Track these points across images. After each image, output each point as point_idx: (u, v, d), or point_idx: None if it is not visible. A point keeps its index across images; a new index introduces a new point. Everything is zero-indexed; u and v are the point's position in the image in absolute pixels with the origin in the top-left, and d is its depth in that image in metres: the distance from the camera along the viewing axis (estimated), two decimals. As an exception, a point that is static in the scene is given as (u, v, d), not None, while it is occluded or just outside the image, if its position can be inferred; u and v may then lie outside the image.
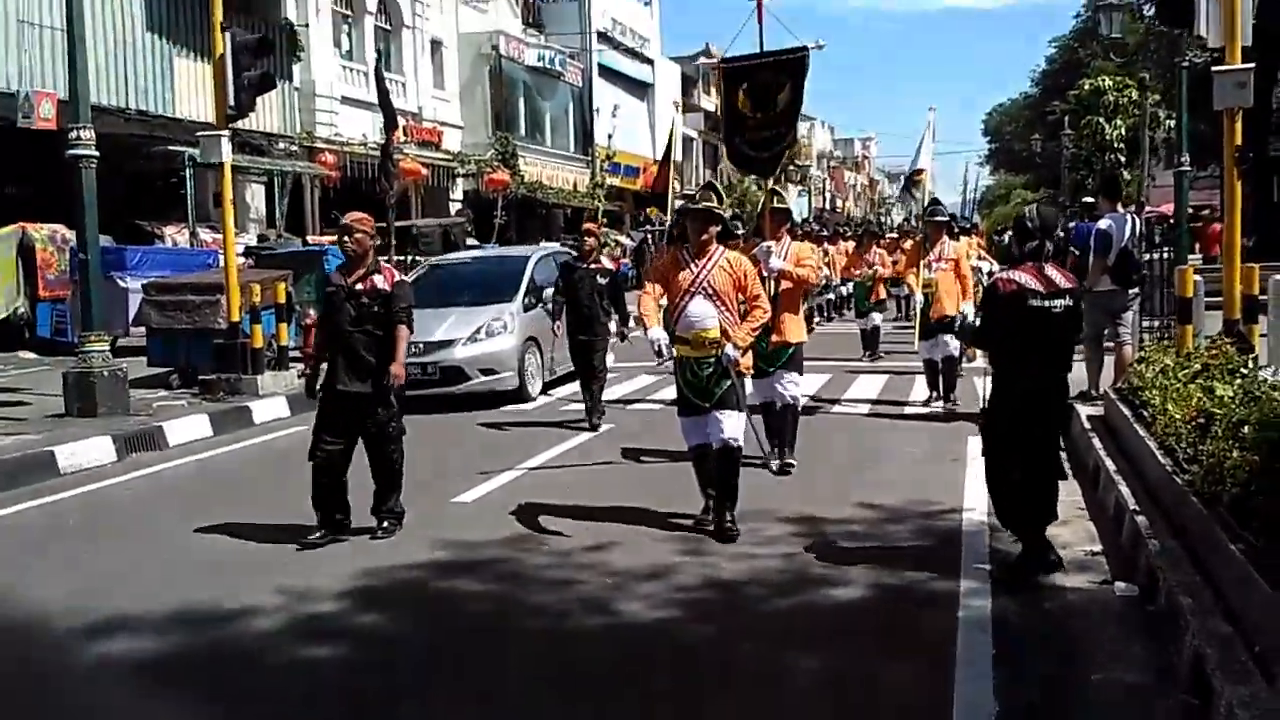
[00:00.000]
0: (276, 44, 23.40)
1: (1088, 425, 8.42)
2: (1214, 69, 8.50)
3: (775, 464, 7.83)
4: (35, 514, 7.59)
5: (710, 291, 6.32)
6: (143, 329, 13.85)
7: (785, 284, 8.03)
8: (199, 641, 4.97)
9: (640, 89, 44.37)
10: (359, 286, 6.44)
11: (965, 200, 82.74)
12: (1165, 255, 14.26)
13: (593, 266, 10.30)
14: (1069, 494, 7.14)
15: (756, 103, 8.34)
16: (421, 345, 10.84)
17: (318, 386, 6.66)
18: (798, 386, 8.28)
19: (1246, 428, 5.13)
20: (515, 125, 33.48)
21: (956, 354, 10.69)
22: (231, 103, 11.60)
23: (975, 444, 8.82)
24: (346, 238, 6.48)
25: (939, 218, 11.22)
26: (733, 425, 6.36)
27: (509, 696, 4.34)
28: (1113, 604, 5.13)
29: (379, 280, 6.48)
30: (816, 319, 21.09)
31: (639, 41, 43.35)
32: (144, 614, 5.28)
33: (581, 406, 10.40)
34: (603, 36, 39.23)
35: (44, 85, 17.54)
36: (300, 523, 6.59)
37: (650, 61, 45.12)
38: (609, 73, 40.39)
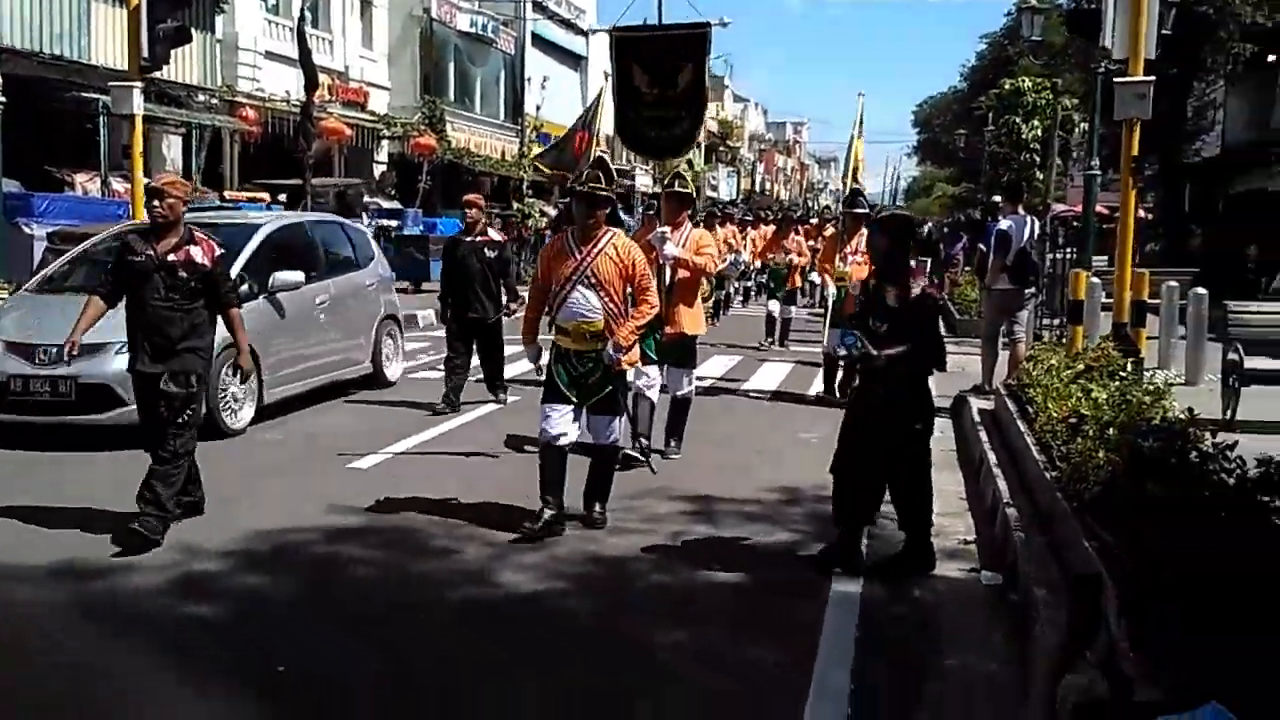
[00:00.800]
0: (200, -7, 22.96)
1: (978, 419, 8.70)
2: (1115, 80, 8.80)
3: (655, 466, 7.06)
4: None
5: (594, 281, 5.91)
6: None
7: (682, 273, 7.73)
8: (78, 593, 4.96)
9: (574, 60, 44.11)
10: (171, 257, 5.71)
11: (890, 190, 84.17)
12: (1068, 255, 14.71)
13: (479, 240, 9.73)
14: (953, 484, 7.48)
15: (655, 79, 7.80)
16: (48, 351, 7.78)
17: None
18: (689, 382, 8.05)
19: (1112, 430, 5.38)
20: (444, 90, 33.10)
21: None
22: (145, 54, 11.37)
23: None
24: (156, 202, 5.75)
25: (858, 209, 10.94)
26: (611, 428, 6.15)
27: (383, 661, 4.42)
28: (978, 592, 5.37)
29: (196, 252, 5.76)
30: (736, 302, 21.28)
31: (574, 12, 43.06)
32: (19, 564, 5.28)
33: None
34: (537, 5, 38.89)
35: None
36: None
37: (585, 33, 44.84)
38: (542, 42, 40.07)
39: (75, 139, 21.17)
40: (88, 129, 20.81)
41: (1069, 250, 15.28)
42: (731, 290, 20.30)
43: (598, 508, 6.22)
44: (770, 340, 15.46)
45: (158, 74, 15.19)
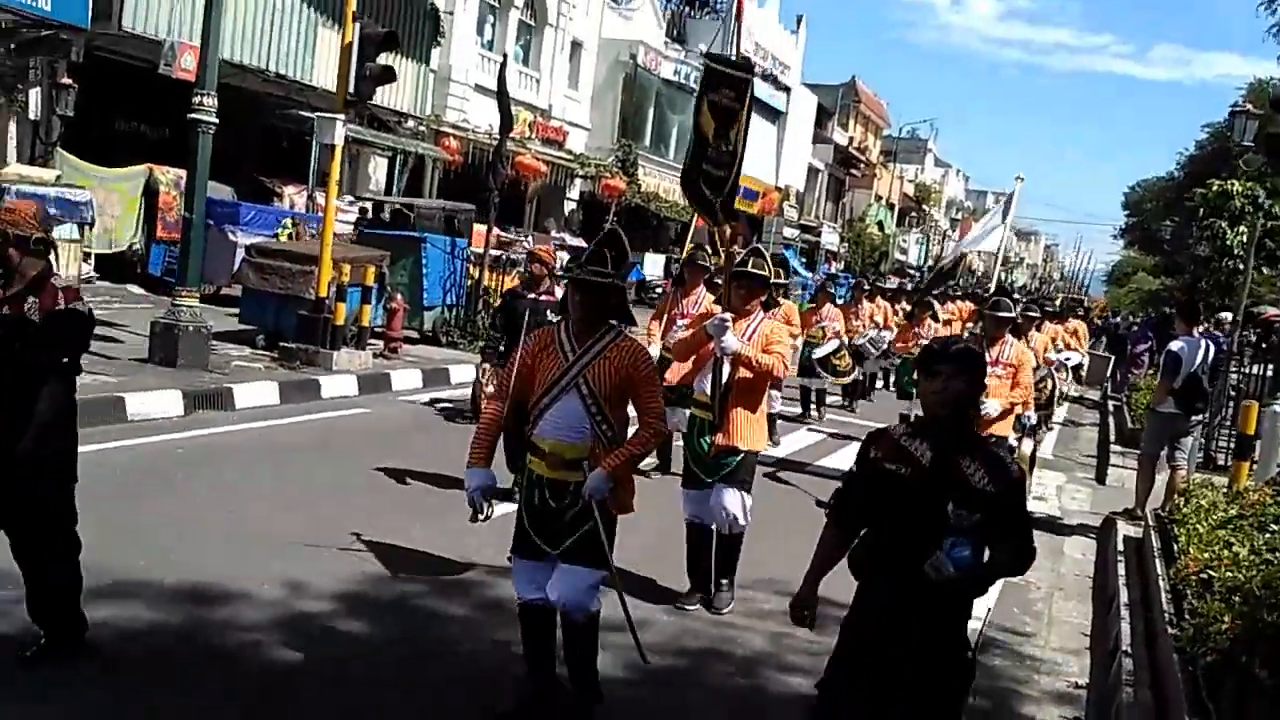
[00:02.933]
0: (419, 28, 24.22)
1: (1121, 546, 8.31)
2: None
3: (650, 657, 4.88)
4: (87, 460, 7.98)
5: (586, 390, 4.43)
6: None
7: (743, 372, 6.20)
8: (184, 619, 5.24)
9: (772, 114, 44.39)
10: (4, 310, 4.35)
11: (1083, 270, 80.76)
12: (1265, 370, 13.55)
13: (543, 298, 8.35)
14: (1080, 617, 7.17)
15: (718, 129, 6.10)
16: None
17: None
18: (741, 510, 6.27)
19: (1238, 594, 5.07)
20: (641, 134, 33.85)
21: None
22: (351, 90, 12.07)
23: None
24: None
25: (1002, 313, 8.51)
26: (582, 588, 4.47)
27: None
28: (1075, 745, 5.14)
29: (31, 305, 4.35)
30: (876, 387, 17.45)
31: (780, 68, 43.37)
32: (142, 580, 5.57)
33: None
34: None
35: (191, 38, 18.38)
36: (342, 512, 6.85)
37: (787, 89, 45.11)
38: (744, 95, 40.49)
39: (291, 153, 22.61)
40: (302, 144, 22.21)
41: (1269, 362, 13.79)
42: (870, 374, 16.71)
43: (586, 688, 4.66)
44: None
45: (374, 99, 16.14)
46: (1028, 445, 10.01)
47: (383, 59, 12.82)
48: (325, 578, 5.96)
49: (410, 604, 5.87)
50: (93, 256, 17.15)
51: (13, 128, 17.31)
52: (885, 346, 14.66)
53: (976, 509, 3.40)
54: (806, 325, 13.51)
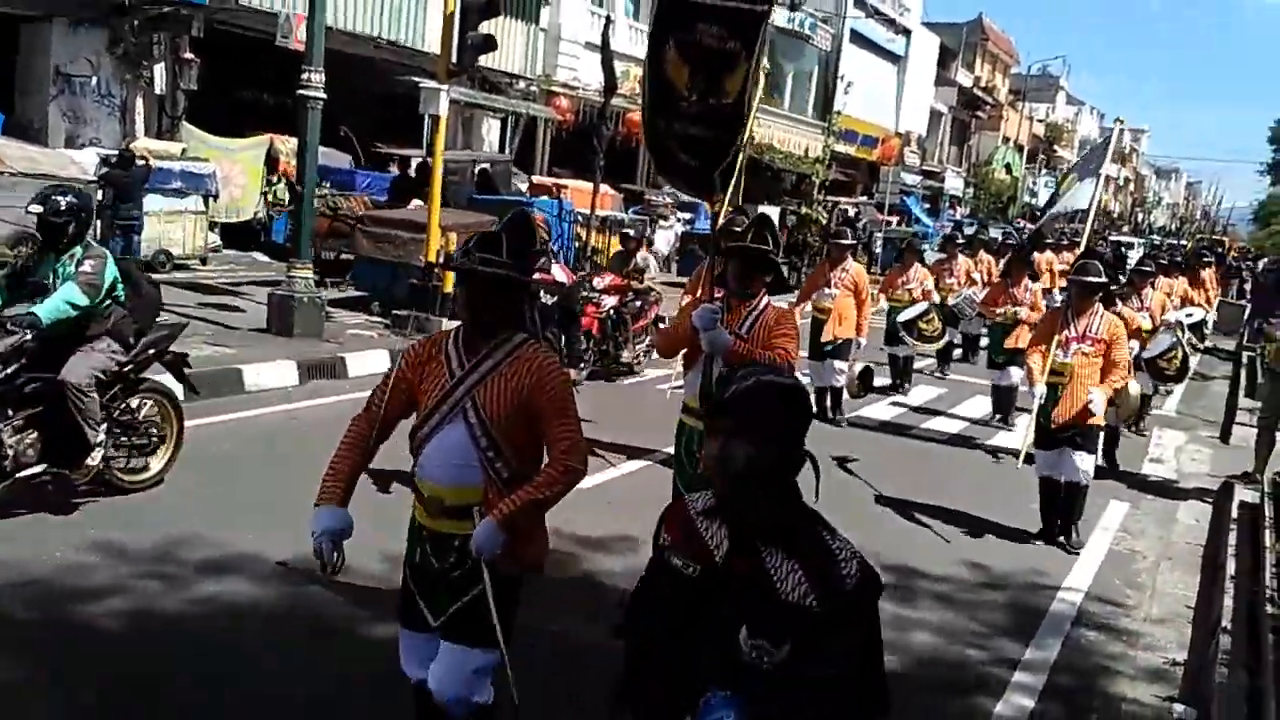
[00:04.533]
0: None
1: (1235, 512, 8.02)
2: None
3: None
4: (203, 432, 8.05)
5: (475, 416, 3.41)
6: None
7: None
8: (286, 594, 5.43)
9: (892, 58, 43.33)
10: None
11: (1218, 211, 76.30)
12: None
13: (536, 277, 6.78)
14: (1183, 588, 6.96)
15: (696, 75, 4.64)
16: None
17: None
18: None
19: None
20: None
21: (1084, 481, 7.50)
22: (454, 60, 12.21)
23: (1115, 511, 8.60)
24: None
25: (1090, 277, 7.35)
26: (463, 675, 3.51)
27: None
28: (1164, 725, 5.03)
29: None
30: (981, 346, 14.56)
31: (899, 9, 42.20)
32: (250, 554, 5.76)
33: None
34: (858, 2, 38.42)
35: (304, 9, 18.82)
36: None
37: (907, 32, 43.90)
38: (860, 39, 39.60)
39: (405, 119, 22.98)
40: (416, 110, 22.58)
41: None
42: (972, 335, 14.72)
43: None
44: (998, 417, 11.77)
45: (483, 61, 16.23)
46: (1135, 386, 9.21)
47: (488, 25, 12.92)
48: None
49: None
50: (218, 226, 17.85)
51: (140, 103, 18.04)
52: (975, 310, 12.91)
53: (784, 637, 2.22)
54: (891, 287, 12.85)
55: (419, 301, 12.78)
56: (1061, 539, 7.53)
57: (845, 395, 10.57)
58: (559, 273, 6.71)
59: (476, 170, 20.74)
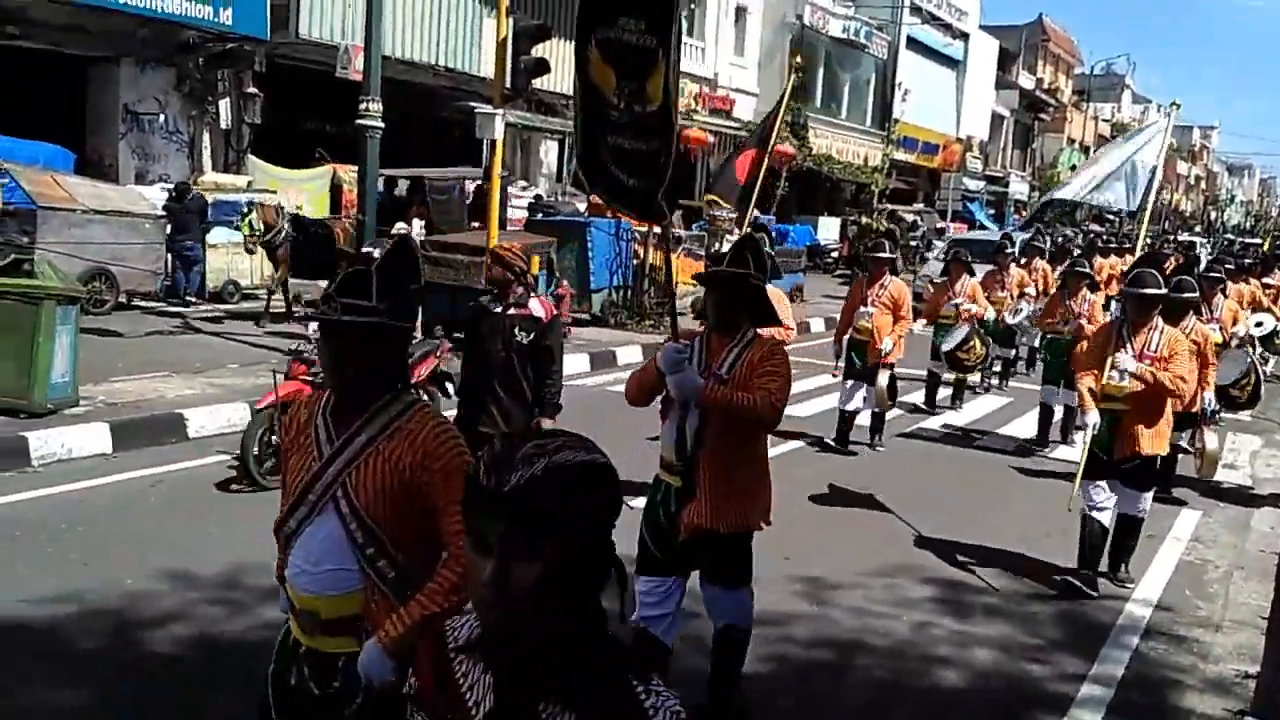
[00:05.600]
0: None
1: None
2: None
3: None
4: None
5: (348, 506, 2.68)
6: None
7: (721, 419, 4.25)
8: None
9: (950, 64, 42.95)
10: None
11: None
12: None
13: (511, 313, 5.92)
14: (1261, 598, 6.76)
15: (621, 79, 4.09)
16: None
17: None
18: (742, 606, 4.58)
19: None
20: (811, 95, 33.28)
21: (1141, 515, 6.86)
22: (508, 84, 12.36)
23: (1186, 520, 8.42)
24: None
25: (1147, 289, 6.55)
26: None
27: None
28: (1235, 740, 4.91)
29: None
30: (1007, 374, 14.02)
31: (956, 14, 41.85)
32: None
33: None
34: (914, 9, 38.16)
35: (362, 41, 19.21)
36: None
37: (965, 36, 43.53)
38: (917, 45, 39.32)
39: (463, 143, 23.33)
40: (474, 135, 22.90)
41: None
42: (1031, 347, 14.15)
43: None
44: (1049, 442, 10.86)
45: (538, 83, 16.43)
46: (1212, 438, 8.76)
47: (540, 48, 13.07)
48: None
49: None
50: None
51: (206, 138, 18.53)
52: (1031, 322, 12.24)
53: None
54: (937, 305, 11.91)
55: (479, 324, 12.90)
56: (1109, 573, 6.85)
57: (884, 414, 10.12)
58: (537, 307, 5.93)
59: (471, 189, 20.79)
